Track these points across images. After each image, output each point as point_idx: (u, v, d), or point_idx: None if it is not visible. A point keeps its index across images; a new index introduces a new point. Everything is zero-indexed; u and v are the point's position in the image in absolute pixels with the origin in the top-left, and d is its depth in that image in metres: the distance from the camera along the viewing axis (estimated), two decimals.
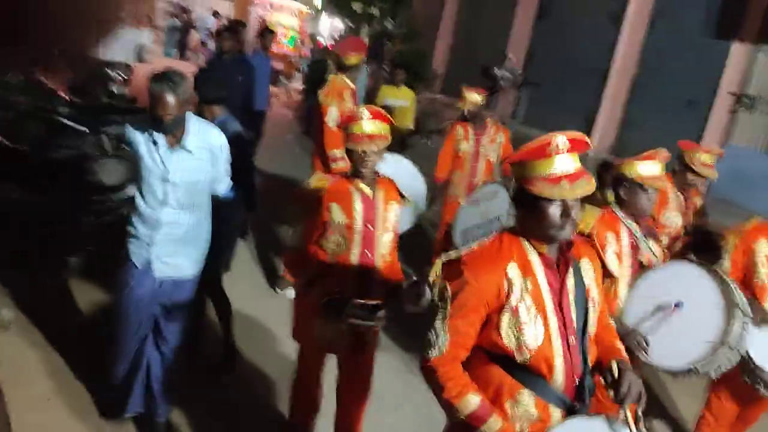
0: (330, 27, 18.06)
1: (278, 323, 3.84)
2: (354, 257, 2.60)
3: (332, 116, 4.28)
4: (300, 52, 16.81)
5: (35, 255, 4.07)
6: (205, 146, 2.80)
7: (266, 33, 7.35)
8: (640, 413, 1.79)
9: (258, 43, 7.34)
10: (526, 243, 1.84)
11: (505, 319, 1.79)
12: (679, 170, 3.60)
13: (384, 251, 2.68)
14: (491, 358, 1.87)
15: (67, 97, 5.36)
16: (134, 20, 14.54)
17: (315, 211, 2.65)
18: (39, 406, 2.99)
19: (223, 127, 3.14)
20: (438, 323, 1.85)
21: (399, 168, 3.83)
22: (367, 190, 2.64)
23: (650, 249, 2.80)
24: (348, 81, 4.47)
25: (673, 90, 7.75)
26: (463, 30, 12.43)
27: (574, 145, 1.72)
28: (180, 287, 2.88)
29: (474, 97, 4.80)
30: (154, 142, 2.72)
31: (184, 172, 2.75)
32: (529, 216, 1.78)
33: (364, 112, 2.62)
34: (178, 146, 2.72)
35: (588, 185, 1.69)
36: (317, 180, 2.74)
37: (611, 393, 1.83)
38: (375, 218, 2.63)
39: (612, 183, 2.81)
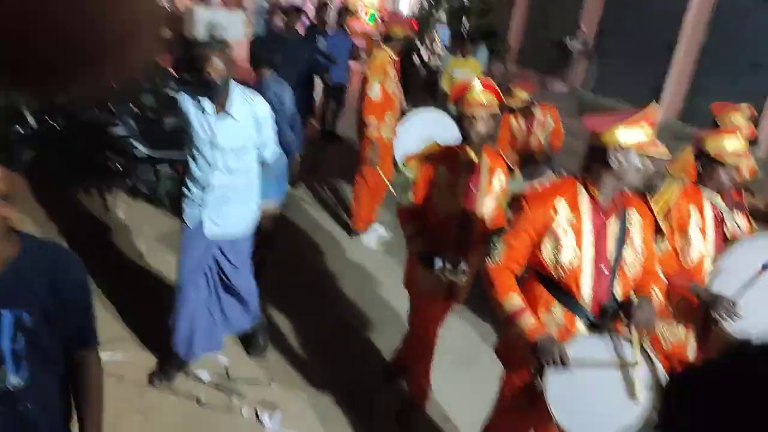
0: (410, 4, 18.69)
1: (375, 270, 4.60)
2: (455, 215, 2.83)
3: (374, 89, 4.89)
4: (380, 28, 17.61)
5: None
6: (249, 113, 2.96)
7: (343, 12, 8.12)
8: (645, 336, 2.18)
9: (336, 22, 8.10)
10: (581, 187, 2.25)
11: (548, 241, 2.23)
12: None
13: (485, 212, 2.90)
14: (536, 275, 2.33)
15: (175, 74, 6.42)
16: (224, 3, 15.77)
17: (425, 174, 2.96)
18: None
19: (267, 89, 3.70)
20: (498, 239, 2.33)
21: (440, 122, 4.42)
22: (472, 155, 2.90)
23: (735, 222, 2.81)
24: (390, 52, 5.08)
25: (739, 55, 7.95)
26: (537, 4, 12.76)
27: (648, 118, 2.14)
28: (235, 246, 3.12)
29: (522, 95, 5.20)
30: (202, 110, 2.89)
31: (231, 137, 2.92)
32: (596, 167, 2.18)
33: (477, 82, 2.88)
34: (224, 113, 2.90)
35: (663, 152, 2.08)
36: (429, 147, 3.07)
37: (624, 317, 2.20)
38: (479, 182, 2.88)
39: (695, 157, 2.82)
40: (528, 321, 2.19)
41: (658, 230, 2.58)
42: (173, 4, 14.06)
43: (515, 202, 2.44)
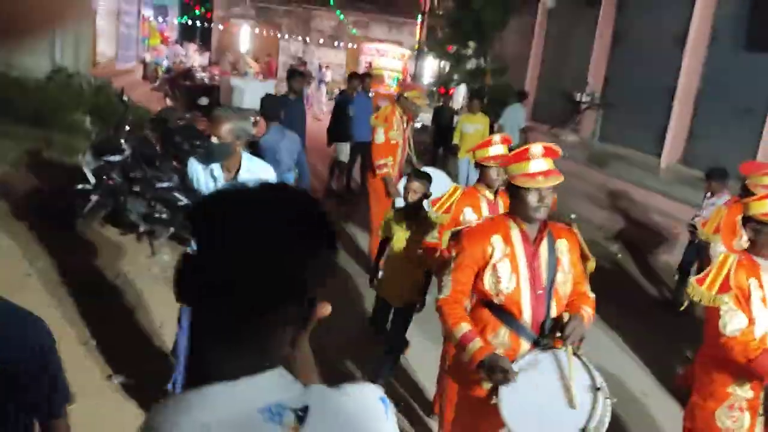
0: (433, 67, 19.87)
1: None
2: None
3: (378, 135, 5.81)
4: (397, 89, 18.81)
5: None
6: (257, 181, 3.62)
7: (365, 77, 9.10)
8: (579, 349, 2.53)
9: (360, 85, 9.04)
10: (511, 221, 2.62)
11: (488, 272, 2.59)
12: (744, 197, 3.62)
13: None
14: (482, 303, 2.68)
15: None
16: (261, 73, 17.15)
17: (455, 215, 3.60)
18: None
19: (268, 138, 4.45)
20: (446, 276, 2.70)
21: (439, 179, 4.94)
22: (490, 196, 3.65)
23: None
24: (398, 110, 5.92)
25: (733, 101, 8.56)
26: (549, 61, 13.64)
27: (547, 152, 2.53)
28: None
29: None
30: (213, 177, 3.02)
31: None
32: (516, 203, 2.57)
33: (497, 137, 3.59)
34: (234, 180, 3.00)
35: (557, 179, 2.46)
36: (451, 191, 3.73)
37: (559, 333, 2.52)
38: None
39: (742, 224, 2.78)
40: (476, 344, 2.48)
41: (584, 256, 2.84)
42: (211, 75, 15.41)
43: (455, 239, 2.85)
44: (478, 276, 2.62)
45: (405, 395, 4.15)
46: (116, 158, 5.60)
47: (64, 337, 3.93)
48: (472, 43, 14.31)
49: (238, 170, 3.06)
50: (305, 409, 0.92)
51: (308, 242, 0.94)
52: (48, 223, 5.48)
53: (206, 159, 3.06)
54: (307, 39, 24.20)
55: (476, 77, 14.39)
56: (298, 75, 7.71)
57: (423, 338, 4.60)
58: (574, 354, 2.48)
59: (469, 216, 3.56)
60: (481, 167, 3.65)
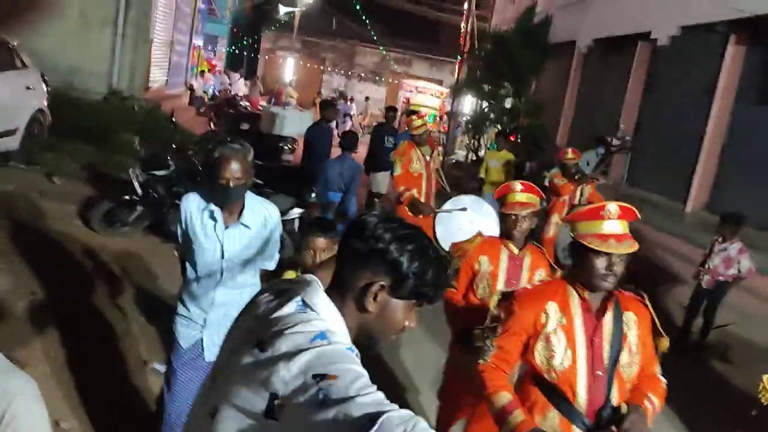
0: (470, 105, 20.50)
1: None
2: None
3: (396, 168, 6.23)
4: (439, 127, 19.39)
5: None
6: (261, 219, 2.78)
7: (411, 115, 9.75)
8: None
9: (404, 122, 9.75)
10: (571, 288, 2.31)
11: (540, 344, 2.29)
12: None
13: None
14: (532, 379, 2.36)
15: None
16: (301, 104, 18.02)
17: (467, 264, 3.34)
18: None
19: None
20: (489, 340, 2.41)
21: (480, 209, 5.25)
22: (515, 249, 3.31)
23: None
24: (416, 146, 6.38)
25: (757, 152, 8.87)
26: (583, 104, 14.08)
27: (624, 213, 2.19)
28: None
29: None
30: (212, 218, 2.68)
31: (242, 248, 2.72)
32: (580, 265, 2.24)
33: (517, 185, 3.31)
34: (237, 222, 2.70)
35: (631, 247, 2.13)
36: (473, 237, 3.47)
37: (615, 428, 2.17)
38: (519, 276, 3.26)
39: None
40: (518, 416, 2.20)
41: (656, 332, 2.46)
42: (251, 104, 16.29)
43: (505, 301, 2.49)
44: (529, 348, 2.34)
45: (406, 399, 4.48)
46: (162, 173, 6.22)
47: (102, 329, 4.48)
48: (507, 84, 14.85)
49: (241, 211, 2.73)
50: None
51: None
52: (97, 228, 6.11)
53: (221, 202, 2.69)
54: (350, 73, 25.16)
55: (511, 117, 14.90)
56: (331, 106, 8.57)
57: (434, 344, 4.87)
58: None
59: (485, 267, 3.30)
60: (501, 215, 3.38)
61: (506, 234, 3.34)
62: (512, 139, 12.04)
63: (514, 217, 3.24)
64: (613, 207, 2.18)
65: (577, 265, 2.28)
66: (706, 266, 6.31)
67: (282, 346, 1.23)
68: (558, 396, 2.27)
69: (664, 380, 2.39)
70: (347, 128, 18.14)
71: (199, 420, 1.41)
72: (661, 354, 2.45)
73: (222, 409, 1.28)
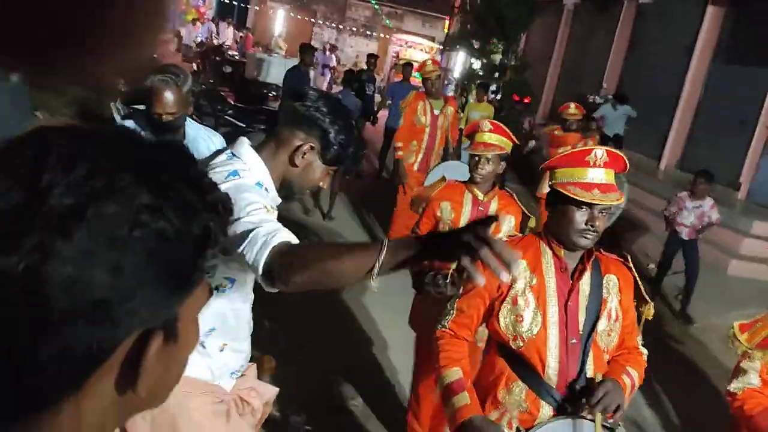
0: (460, 61, 20.57)
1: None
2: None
3: (401, 120, 6.05)
4: None
5: None
6: (204, 151, 2.61)
7: (406, 66, 9.89)
8: (614, 422, 1.89)
9: (398, 74, 9.85)
10: (544, 244, 2.03)
11: (505, 308, 1.99)
12: None
13: None
14: (498, 348, 2.08)
15: (233, 102, 8.27)
16: (288, 54, 18.05)
17: (430, 210, 3.15)
18: None
19: None
20: (450, 303, 2.14)
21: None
22: (479, 194, 3.11)
23: None
24: (429, 96, 5.99)
25: (729, 112, 9.18)
26: (569, 62, 14.30)
27: (612, 160, 1.89)
28: None
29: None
30: None
31: None
32: (556, 218, 1.96)
33: (486, 124, 3.11)
34: None
35: (618, 199, 1.84)
36: (435, 183, 3.34)
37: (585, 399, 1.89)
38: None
39: None
40: (463, 399, 1.93)
41: (639, 297, 2.21)
42: (241, 52, 16.34)
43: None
44: (493, 311, 2.04)
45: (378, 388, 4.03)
46: (143, 107, 6.47)
47: None
48: (497, 40, 14.98)
49: None
50: None
51: None
52: None
53: (154, 136, 2.43)
54: (341, 27, 25.06)
55: (498, 73, 15.07)
56: (310, 50, 8.59)
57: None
58: (605, 427, 1.90)
59: (447, 214, 3.13)
60: (470, 157, 3.18)
61: (471, 178, 3.15)
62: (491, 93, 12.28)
63: (477, 158, 3.06)
64: (600, 152, 1.89)
65: (553, 219, 2.00)
66: (681, 221, 6.47)
67: None
68: (525, 367, 1.99)
69: (645, 351, 2.13)
70: (326, 80, 17.99)
71: None
72: (644, 321, 2.22)
73: None
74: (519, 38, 15.10)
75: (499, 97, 14.93)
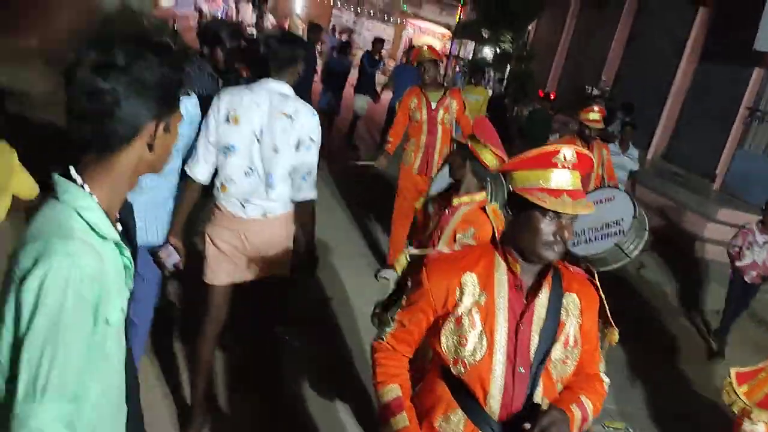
0: (470, 49, 21.18)
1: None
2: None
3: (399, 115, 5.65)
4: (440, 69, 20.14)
5: None
6: (186, 120, 2.79)
7: (411, 49, 10.66)
8: None
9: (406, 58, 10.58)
10: (499, 258, 1.79)
11: (448, 326, 1.77)
12: None
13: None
14: (440, 370, 1.87)
15: (245, 75, 8.99)
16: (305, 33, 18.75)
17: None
18: None
19: None
20: (391, 312, 1.94)
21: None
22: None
23: None
24: (427, 90, 5.42)
25: (712, 106, 9.84)
26: (574, 54, 14.90)
27: (580, 162, 1.68)
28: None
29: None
30: None
31: None
32: (518, 228, 1.73)
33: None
34: None
35: (587, 208, 1.63)
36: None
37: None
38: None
39: None
40: (401, 422, 1.82)
41: (604, 320, 1.96)
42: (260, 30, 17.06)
43: (414, 267, 1.95)
44: (435, 328, 1.84)
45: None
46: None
47: None
48: (505, 31, 15.60)
49: None
50: None
51: None
52: None
53: None
54: (360, 10, 25.72)
55: (505, 62, 15.70)
56: (316, 28, 9.38)
57: None
58: None
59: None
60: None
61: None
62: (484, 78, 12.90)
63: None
64: (569, 152, 1.66)
65: (514, 228, 1.76)
66: (745, 260, 5.35)
67: None
68: (465, 395, 1.79)
69: (607, 380, 1.93)
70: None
71: None
72: (607, 348, 2.01)
73: None
74: (526, 30, 15.71)
75: (504, 85, 15.65)
